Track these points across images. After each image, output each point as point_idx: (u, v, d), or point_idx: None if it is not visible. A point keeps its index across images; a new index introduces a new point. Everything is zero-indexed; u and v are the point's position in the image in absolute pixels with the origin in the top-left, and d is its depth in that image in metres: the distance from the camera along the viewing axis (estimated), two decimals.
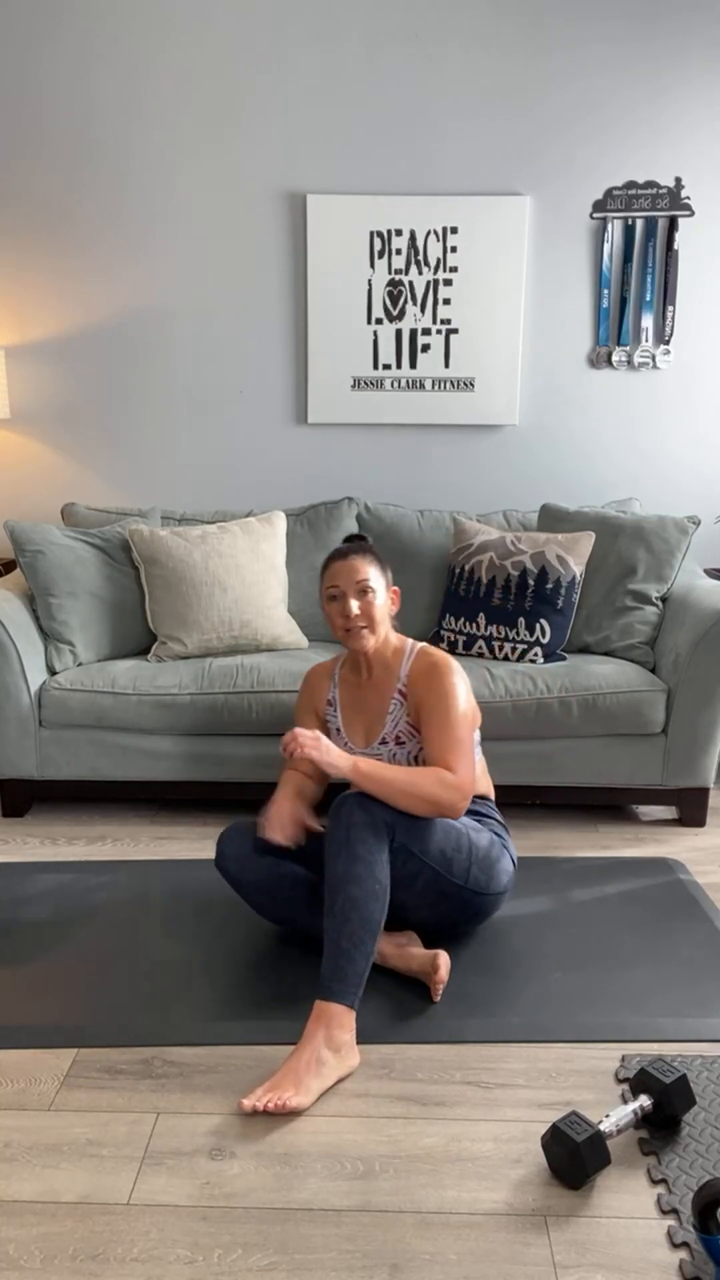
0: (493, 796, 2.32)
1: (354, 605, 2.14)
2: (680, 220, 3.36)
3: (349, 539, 2.33)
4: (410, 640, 2.25)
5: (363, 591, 2.15)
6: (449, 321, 3.43)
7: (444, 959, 2.06)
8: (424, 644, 2.23)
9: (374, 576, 2.17)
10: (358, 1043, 1.86)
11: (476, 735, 2.21)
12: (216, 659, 2.96)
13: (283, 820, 2.08)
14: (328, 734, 2.31)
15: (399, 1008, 2.01)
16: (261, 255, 3.43)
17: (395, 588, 2.25)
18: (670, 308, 3.41)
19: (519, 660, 2.96)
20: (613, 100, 3.30)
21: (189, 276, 3.45)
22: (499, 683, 2.81)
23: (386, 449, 3.57)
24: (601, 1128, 1.57)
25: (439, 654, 2.19)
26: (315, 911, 2.14)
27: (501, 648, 2.98)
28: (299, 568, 3.26)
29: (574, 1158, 1.53)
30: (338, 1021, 1.80)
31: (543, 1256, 1.44)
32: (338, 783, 2.37)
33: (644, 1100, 1.64)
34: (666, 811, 3.02)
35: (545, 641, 2.95)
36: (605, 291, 3.42)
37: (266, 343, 3.50)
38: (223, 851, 2.14)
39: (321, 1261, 1.43)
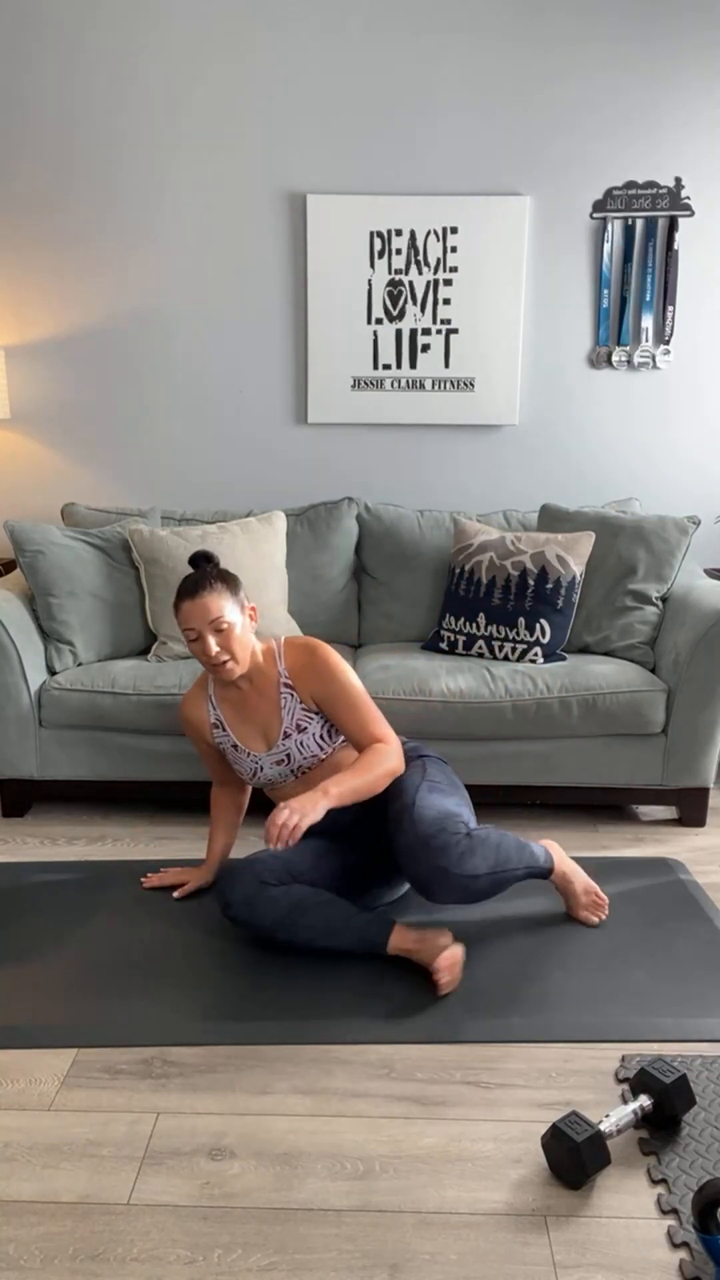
0: None
1: (213, 645, 2.18)
2: (680, 220, 3.36)
3: (194, 561, 2.30)
4: (271, 638, 2.34)
5: (219, 630, 2.18)
6: (449, 321, 3.43)
7: (457, 954, 2.08)
8: (284, 637, 2.31)
9: (227, 609, 2.20)
10: (359, 1042, 1.88)
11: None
12: None
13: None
14: (215, 756, 2.45)
15: (399, 1008, 2.01)
16: (261, 255, 3.43)
17: (252, 605, 2.29)
18: (670, 308, 3.41)
19: (519, 660, 2.96)
20: (613, 100, 3.30)
21: (189, 277, 3.46)
22: (499, 683, 2.81)
23: (386, 449, 3.57)
24: (601, 1128, 1.57)
25: (304, 641, 2.27)
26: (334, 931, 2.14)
27: (501, 648, 2.98)
28: (299, 568, 3.26)
29: (574, 1158, 1.53)
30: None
31: (543, 1256, 1.44)
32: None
33: (644, 1100, 1.65)
34: (666, 811, 3.02)
35: (545, 641, 2.95)
36: (605, 291, 3.42)
37: (266, 343, 3.50)
38: (229, 901, 2.12)
39: (321, 1261, 1.43)
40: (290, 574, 3.25)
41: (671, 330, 3.43)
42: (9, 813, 2.95)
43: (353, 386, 3.48)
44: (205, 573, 2.23)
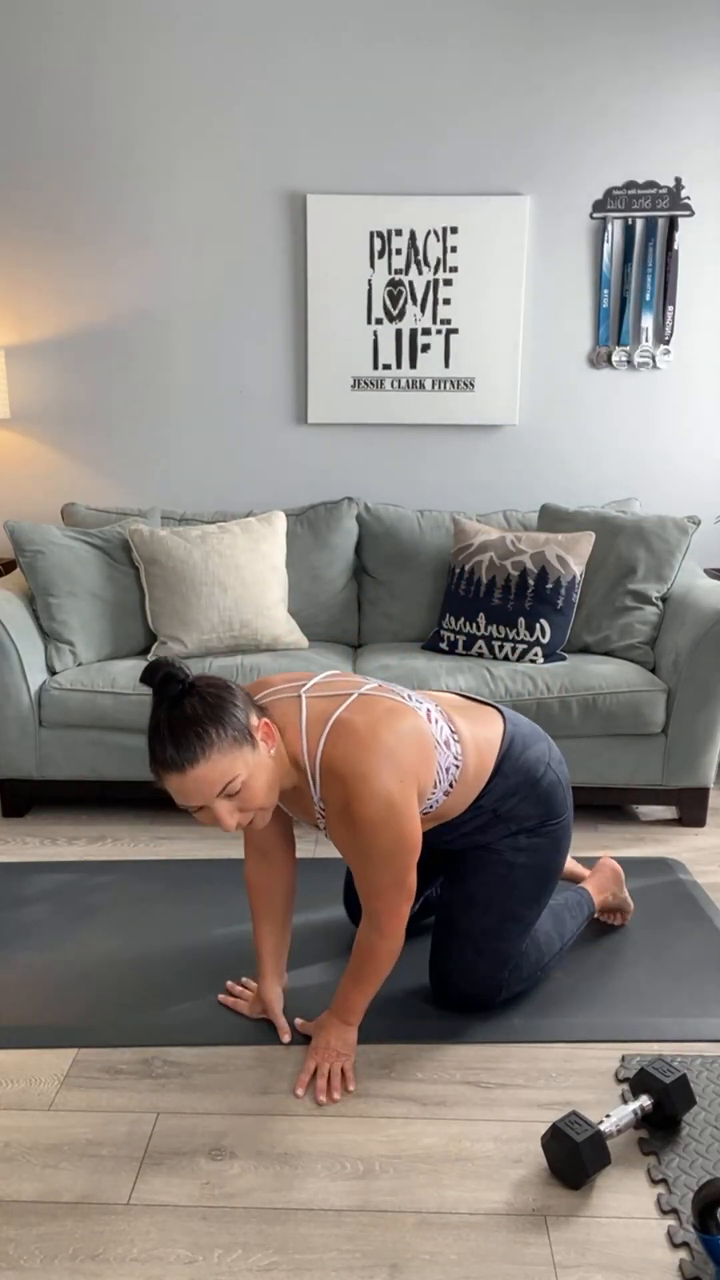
0: (488, 773, 1.88)
1: (226, 816, 1.62)
2: (680, 220, 3.36)
3: (156, 686, 1.60)
4: (304, 744, 1.71)
5: (229, 795, 1.61)
6: (449, 321, 3.43)
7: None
8: (324, 748, 1.69)
9: (236, 765, 1.58)
10: (359, 1042, 1.89)
11: (442, 735, 1.81)
12: (216, 659, 2.96)
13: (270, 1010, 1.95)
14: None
15: (399, 1008, 2.01)
16: (261, 255, 3.43)
17: (263, 721, 1.67)
18: (670, 308, 3.41)
19: (519, 660, 2.96)
20: (613, 100, 3.30)
21: (189, 276, 3.45)
22: (499, 683, 2.81)
23: (386, 449, 3.57)
24: (601, 1128, 1.57)
25: (346, 770, 1.66)
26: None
27: (501, 648, 2.98)
28: (299, 568, 3.26)
29: (574, 1158, 1.53)
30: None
31: (543, 1256, 1.44)
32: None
33: (644, 1100, 1.64)
34: (666, 811, 3.02)
35: (545, 641, 2.95)
36: (605, 291, 3.42)
37: (266, 343, 3.50)
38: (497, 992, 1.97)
39: (321, 1261, 1.43)
40: (290, 574, 3.25)
41: (671, 330, 3.43)
42: (9, 813, 2.95)
43: (353, 386, 3.48)
44: (181, 722, 1.57)
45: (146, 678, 1.60)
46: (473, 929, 1.93)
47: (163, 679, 1.59)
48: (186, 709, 1.58)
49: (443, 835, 1.94)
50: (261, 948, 1.97)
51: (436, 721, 1.82)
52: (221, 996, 2.04)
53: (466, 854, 1.96)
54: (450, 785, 1.82)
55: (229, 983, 2.07)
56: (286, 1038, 1.91)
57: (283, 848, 1.97)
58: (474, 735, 1.88)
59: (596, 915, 2.24)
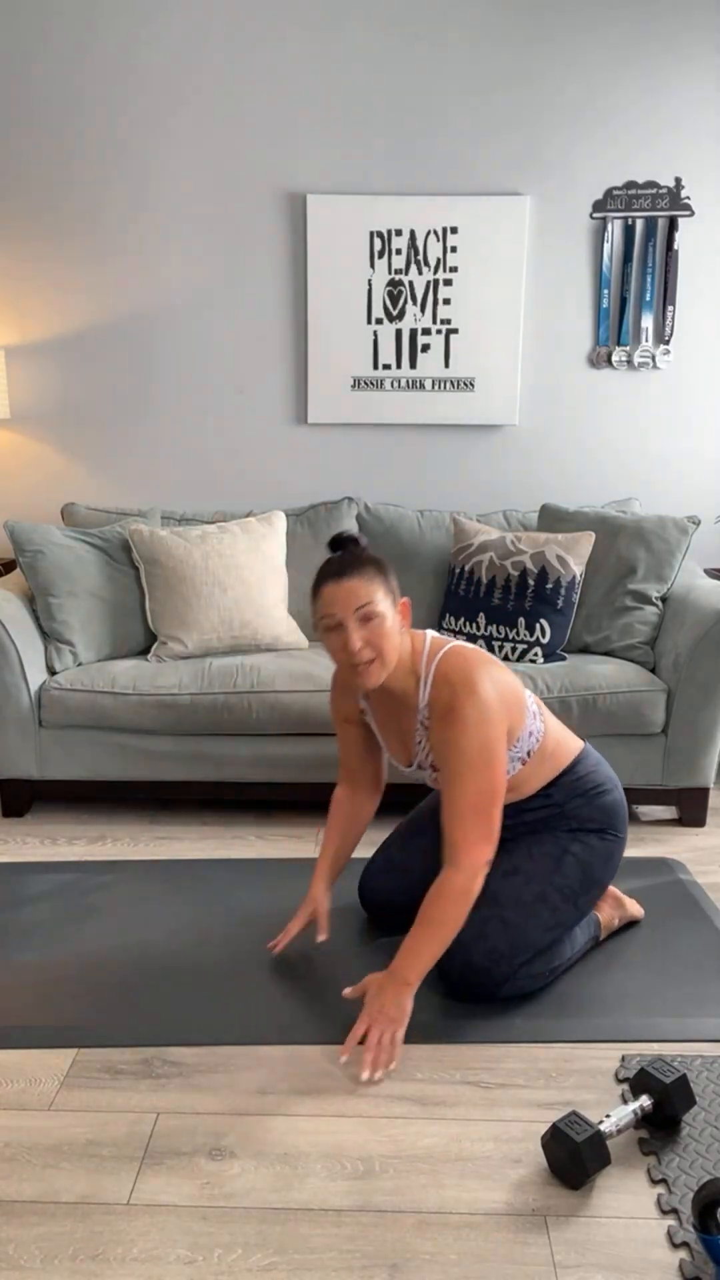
0: (564, 765, 2.05)
1: (357, 638, 1.82)
2: (680, 220, 3.36)
3: (337, 543, 1.94)
4: (425, 653, 1.93)
5: (366, 618, 1.82)
6: (449, 321, 3.43)
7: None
8: (441, 659, 1.90)
9: (379, 597, 1.84)
10: (359, 1042, 1.88)
11: (531, 703, 2.00)
12: (216, 659, 2.96)
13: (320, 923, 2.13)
14: (355, 739, 2.16)
15: None
16: (261, 255, 3.43)
17: (404, 599, 1.93)
18: (670, 308, 3.41)
19: (519, 660, 2.96)
20: (613, 100, 3.30)
21: (189, 276, 3.45)
22: None
23: (386, 449, 3.57)
24: (601, 1128, 1.57)
25: (458, 675, 1.86)
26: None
27: (501, 648, 2.98)
28: (299, 568, 3.26)
29: (574, 1158, 1.53)
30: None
31: (543, 1256, 1.44)
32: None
33: (644, 1100, 1.64)
34: (666, 811, 3.02)
35: (545, 641, 2.95)
36: (605, 291, 3.42)
37: (266, 343, 3.50)
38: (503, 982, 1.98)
39: (321, 1261, 1.43)
40: (290, 574, 3.25)
41: (671, 330, 3.43)
42: (9, 813, 2.96)
43: (353, 386, 3.48)
44: (354, 554, 1.88)
45: (333, 542, 1.93)
46: (506, 896, 1.97)
47: (346, 538, 1.93)
48: (354, 552, 1.89)
49: (508, 819, 2.07)
50: (323, 853, 2.18)
51: (529, 695, 2.03)
52: (270, 945, 2.17)
53: (522, 835, 2.07)
54: (528, 754, 1.99)
55: (274, 943, 2.17)
56: (324, 936, 2.09)
57: (373, 787, 2.22)
58: (557, 730, 2.08)
59: (601, 938, 2.23)
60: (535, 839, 2.07)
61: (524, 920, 1.97)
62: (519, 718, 1.94)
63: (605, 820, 2.07)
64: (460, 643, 1.96)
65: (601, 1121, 1.59)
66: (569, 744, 2.09)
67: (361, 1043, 1.82)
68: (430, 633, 1.99)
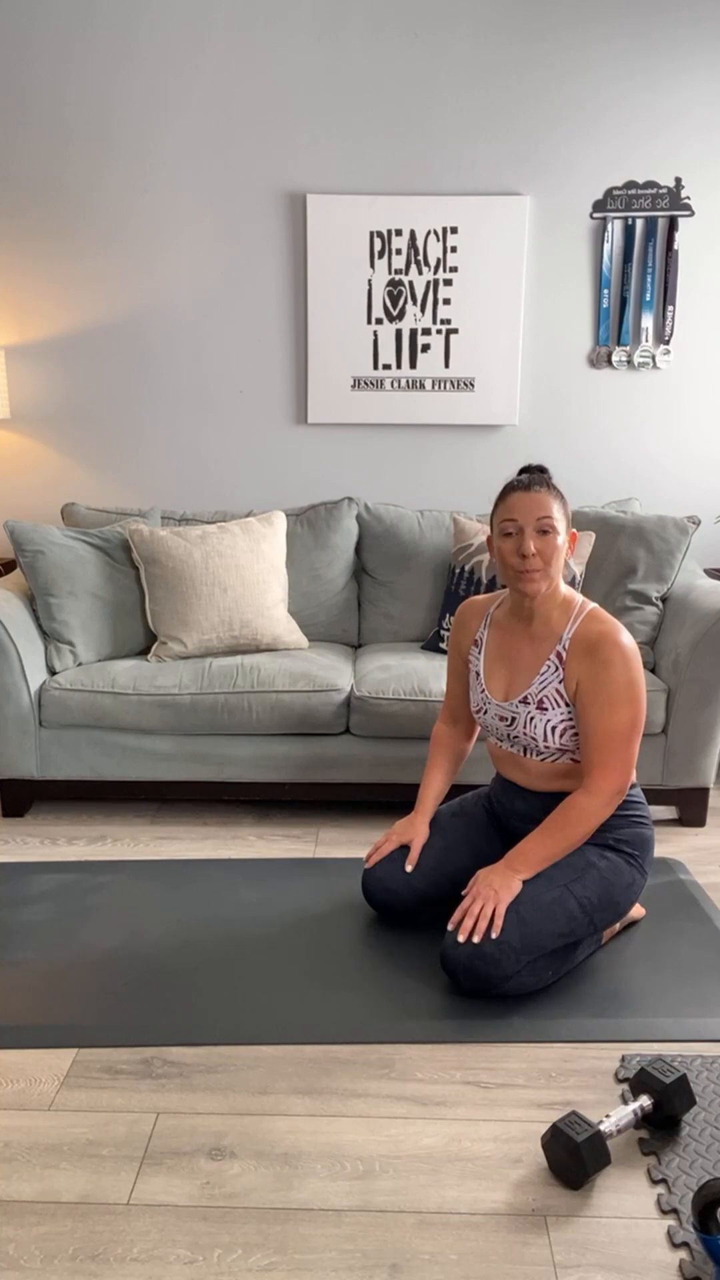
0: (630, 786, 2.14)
1: (532, 544, 1.99)
2: (680, 220, 3.36)
3: (526, 470, 2.10)
4: (580, 597, 2.10)
5: (544, 530, 2.00)
6: (449, 321, 3.43)
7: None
8: (595, 605, 2.08)
9: (558, 515, 2.01)
10: (359, 1042, 1.89)
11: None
12: (216, 659, 2.96)
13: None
14: (467, 677, 2.28)
15: (399, 1008, 2.01)
16: (261, 255, 3.43)
17: (574, 531, 2.08)
18: (670, 308, 3.41)
19: None
20: (613, 100, 3.30)
21: (189, 276, 3.46)
22: None
23: (386, 449, 3.57)
24: (601, 1128, 1.57)
25: (609, 622, 2.03)
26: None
27: None
28: (299, 568, 3.26)
29: (574, 1158, 1.53)
30: None
31: (543, 1256, 1.44)
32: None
33: (644, 1100, 1.65)
34: (666, 811, 3.02)
35: None
36: (605, 291, 3.42)
37: (266, 343, 3.50)
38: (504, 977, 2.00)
39: (321, 1261, 1.43)
40: (290, 574, 3.25)
41: (671, 330, 3.43)
42: (9, 813, 2.96)
43: (353, 386, 3.48)
44: (542, 476, 2.05)
45: (524, 469, 2.08)
46: (525, 894, 1.98)
47: (538, 468, 2.09)
48: (547, 477, 2.06)
49: (546, 810, 2.14)
50: (425, 790, 2.32)
51: None
52: (373, 849, 2.29)
53: None
54: None
55: (368, 856, 2.30)
56: (410, 866, 2.21)
57: (469, 722, 2.36)
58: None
59: (604, 943, 2.24)
60: None
61: (539, 919, 1.97)
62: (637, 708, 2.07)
63: (636, 847, 2.11)
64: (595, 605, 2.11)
65: (601, 1121, 1.59)
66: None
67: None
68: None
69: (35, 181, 3.39)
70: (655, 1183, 1.57)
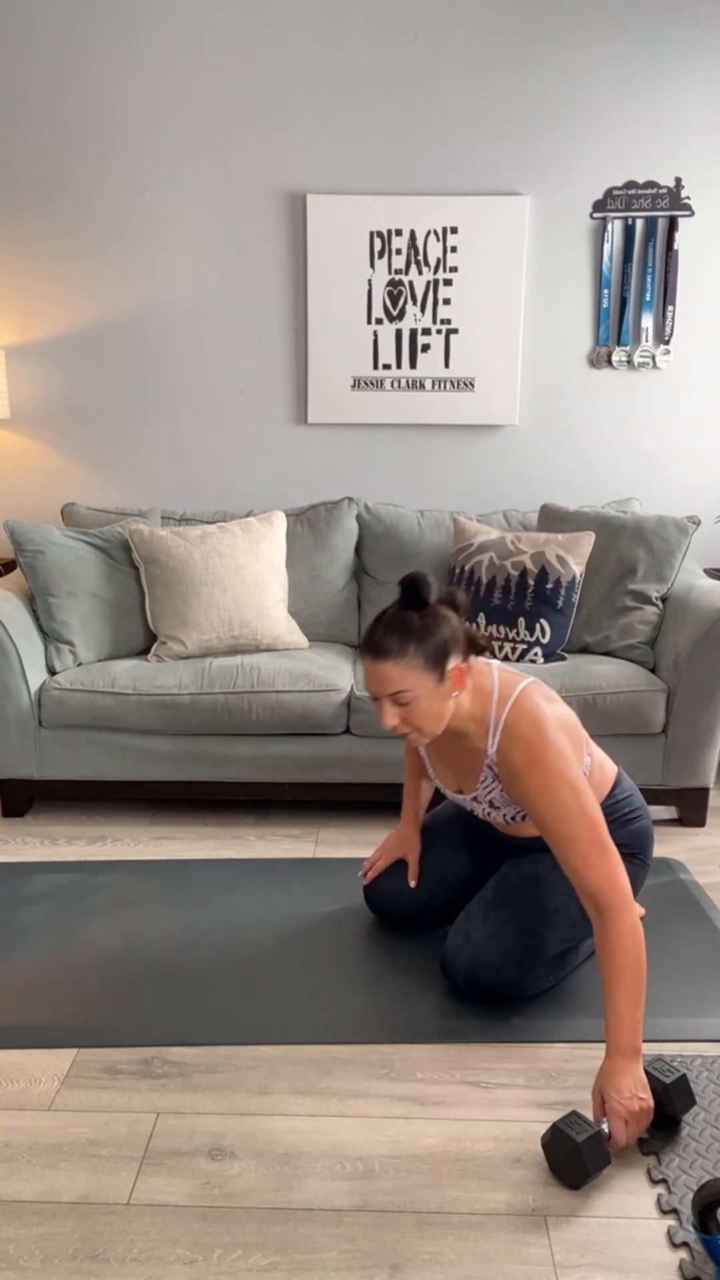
0: (605, 791, 2.03)
1: (391, 716, 1.81)
2: (680, 220, 3.36)
3: (404, 587, 1.79)
4: (494, 699, 1.85)
5: (399, 704, 1.79)
6: (449, 321, 3.43)
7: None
8: (511, 709, 1.83)
9: (413, 681, 1.76)
10: (359, 1042, 1.89)
11: (583, 737, 1.97)
12: (216, 659, 2.96)
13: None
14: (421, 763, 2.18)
15: (399, 1008, 2.01)
16: (261, 255, 3.43)
17: (458, 666, 1.80)
18: (670, 308, 3.41)
19: (519, 660, 2.96)
20: (613, 100, 3.30)
21: (189, 276, 3.45)
22: None
23: (386, 449, 3.57)
24: (602, 1128, 1.57)
25: (530, 730, 1.79)
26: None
27: (501, 648, 2.98)
28: (299, 568, 3.26)
29: (574, 1157, 1.53)
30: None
31: (543, 1256, 1.44)
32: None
33: None
34: (666, 811, 3.02)
35: (545, 641, 2.95)
36: (605, 291, 3.42)
37: (266, 343, 3.50)
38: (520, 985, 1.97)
39: (321, 1261, 1.43)
40: (290, 574, 3.25)
41: (671, 330, 3.43)
42: (9, 813, 2.95)
43: (353, 386, 3.48)
44: (403, 625, 1.77)
45: (403, 580, 1.78)
46: (526, 901, 1.96)
47: (410, 586, 1.78)
48: (410, 619, 1.78)
49: (541, 842, 2.07)
50: (408, 801, 2.29)
51: (580, 726, 2.00)
52: (361, 874, 2.31)
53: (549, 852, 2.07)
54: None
55: (363, 871, 2.31)
56: (414, 882, 2.20)
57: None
58: (600, 754, 2.07)
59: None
60: None
61: (540, 927, 1.96)
62: (580, 754, 1.92)
63: (635, 845, 2.07)
64: (528, 682, 1.88)
65: (602, 1122, 1.59)
66: (608, 769, 2.06)
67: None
68: (496, 669, 1.91)
69: (35, 181, 3.39)
70: (655, 1183, 1.57)
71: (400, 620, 1.77)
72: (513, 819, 1.99)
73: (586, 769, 1.96)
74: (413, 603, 1.78)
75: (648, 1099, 1.60)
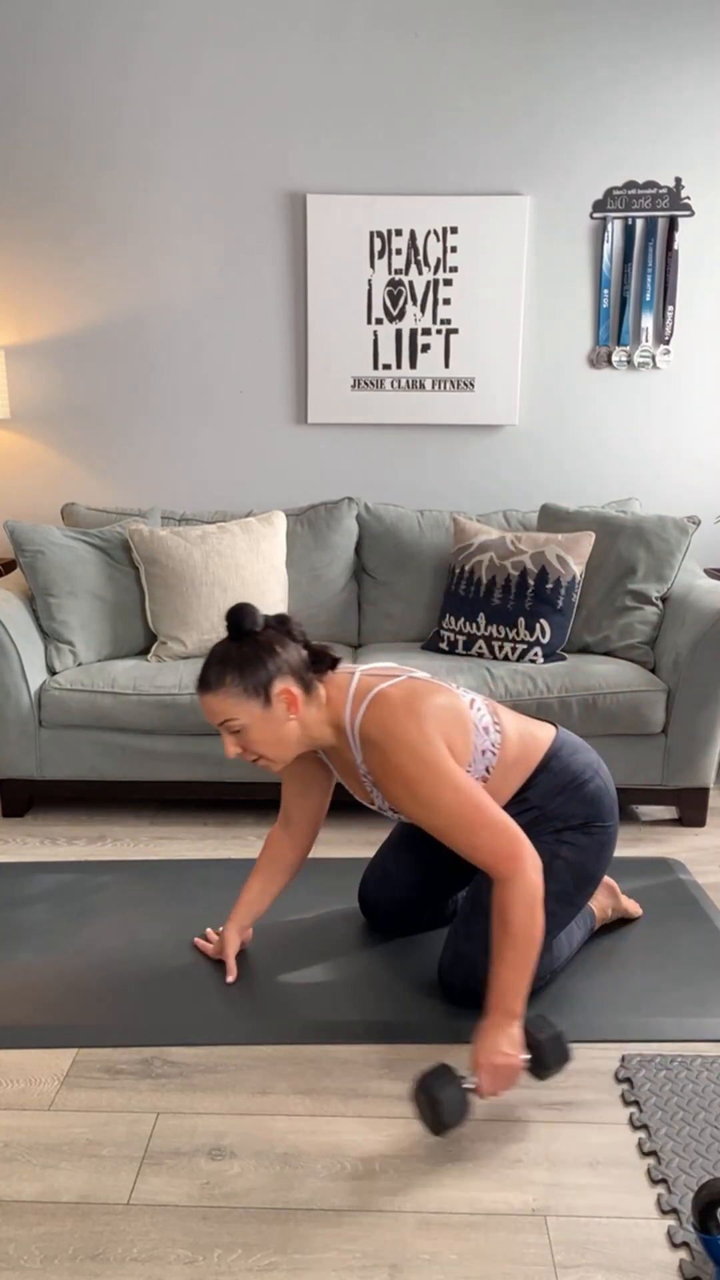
0: (535, 766, 1.96)
1: (230, 746, 1.84)
2: (680, 220, 3.36)
3: (229, 620, 1.83)
4: (348, 710, 1.85)
5: (232, 732, 1.82)
6: (449, 321, 3.43)
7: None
8: (362, 719, 1.82)
9: (242, 710, 1.79)
10: (359, 1042, 1.89)
11: (482, 718, 1.92)
12: None
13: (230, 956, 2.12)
14: (303, 776, 2.10)
15: (399, 1008, 2.01)
16: (261, 255, 3.43)
17: (287, 689, 1.80)
18: (670, 308, 3.41)
19: (519, 660, 2.96)
20: (613, 100, 3.30)
21: (189, 276, 3.45)
22: (499, 683, 2.81)
23: (386, 449, 3.57)
24: (466, 1081, 1.61)
25: (380, 735, 1.79)
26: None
27: (501, 648, 2.98)
28: (299, 568, 3.26)
29: (435, 1108, 1.56)
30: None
31: (543, 1256, 1.44)
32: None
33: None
34: (666, 811, 3.02)
35: (545, 641, 2.95)
36: (605, 291, 3.42)
37: (266, 343, 3.50)
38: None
39: (321, 1261, 1.43)
40: (290, 574, 3.25)
41: (671, 330, 3.43)
42: (9, 813, 2.95)
43: (353, 386, 3.48)
44: (222, 656, 1.81)
45: (227, 613, 1.83)
46: (464, 933, 1.96)
47: (233, 617, 1.82)
48: (229, 649, 1.81)
49: None
50: (242, 897, 2.16)
51: (478, 709, 1.94)
52: (196, 940, 2.22)
53: None
54: (487, 770, 1.93)
55: (207, 930, 2.24)
56: (231, 978, 2.08)
57: (305, 830, 2.15)
58: (520, 731, 1.98)
59: (595, 928, 2.24)
60: None
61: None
62: (462, 744, 1.86)
63: (590, 812, 1.98)
64: (386, 686, 1.84)
65: (465, 1080, 1.61)
66: (536, 743, 1.98)
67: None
68: (358, 676, 1.89)
69: (36, 181, 3.39)
70: (655, 1183, 1.57)
71: (221, 652, 1.82)
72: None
73: (492, 749, 1.91)
74: (235, 634, 1.83)
75: (515, 1057, 1.65)
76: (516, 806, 1.97)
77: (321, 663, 1.88)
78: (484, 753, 1.91)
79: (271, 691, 1.80)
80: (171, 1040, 1.91)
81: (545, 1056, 1.67)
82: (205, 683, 1.82)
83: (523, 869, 1.70)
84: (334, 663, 1.89)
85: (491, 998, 1.69)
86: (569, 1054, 1.70)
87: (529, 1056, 1.68)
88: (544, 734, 2.01)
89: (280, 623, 1.87)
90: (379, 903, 2.26)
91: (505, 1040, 1.66)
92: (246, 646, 1.81)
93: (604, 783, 2.02)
